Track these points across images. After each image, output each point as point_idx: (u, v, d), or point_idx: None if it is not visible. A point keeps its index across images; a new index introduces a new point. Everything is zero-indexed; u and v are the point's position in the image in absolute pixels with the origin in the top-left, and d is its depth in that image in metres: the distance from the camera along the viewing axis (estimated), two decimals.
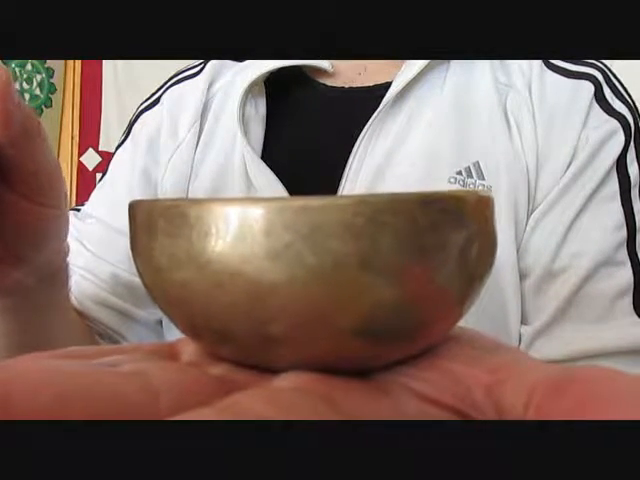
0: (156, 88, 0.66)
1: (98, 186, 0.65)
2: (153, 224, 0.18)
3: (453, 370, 0.18)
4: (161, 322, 0.62)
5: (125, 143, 0.64)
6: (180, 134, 0.60)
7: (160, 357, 0.20)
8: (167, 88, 0.64)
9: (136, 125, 0.64)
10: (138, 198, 0.61)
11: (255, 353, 0.18)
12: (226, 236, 0.16)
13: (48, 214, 0.36)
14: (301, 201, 0.16)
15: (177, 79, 0.64)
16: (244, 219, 0.16)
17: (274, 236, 0.16)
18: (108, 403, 0.15)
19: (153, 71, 0.68)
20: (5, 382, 0.14)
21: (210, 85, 0.62)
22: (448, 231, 0.17)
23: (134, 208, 0.19)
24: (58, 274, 0.44)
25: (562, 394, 0.16)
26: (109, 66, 2.14)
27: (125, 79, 2.10)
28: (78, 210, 0.64)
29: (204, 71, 0.63)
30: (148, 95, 0.66)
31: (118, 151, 0.65)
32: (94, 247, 0.60)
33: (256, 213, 0.16)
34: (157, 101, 0.64)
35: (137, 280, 0.59)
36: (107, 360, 0.18)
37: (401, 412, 0.17)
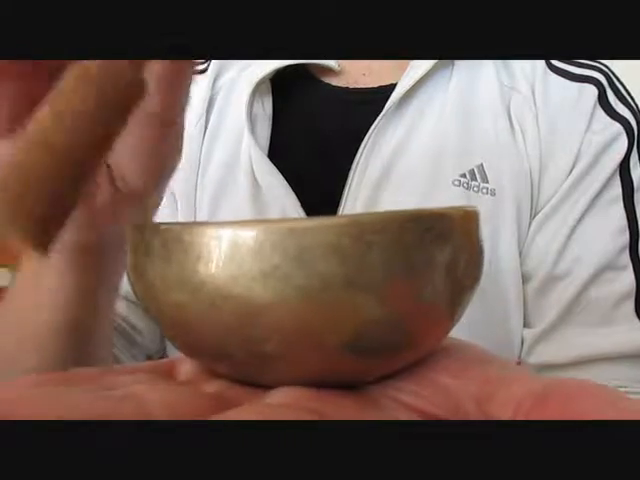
0: None
1: None
2: (148, 247, 0.18)
3: (443, 383, 0.19)
4: None
5: None
6: (187, 129, 0.60)
7: (157, 376, 0.20)
8: None
9: None
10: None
11: (250, 371, 0.19)
12: (217, 259, 0.17)
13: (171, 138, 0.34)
14: (289, 223, 0.16)
15: None
16: (234, 242, 0.17)
17: (263, 258, 0.16)
18: None
19: None
20: (6, 415, 0.14)
21: (215, 80, 0.61)
22: (434, 248, 0.18)
23: (131, 230, 0.20)
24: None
25: (546, 406, 0.16)
26: None
27: None
28: None
29: (209, 68, 0.63)
30: None
31: None
32: None
33: (245, 236, 0.17)
34: None
35: None
36: (105, 383, 0.18)
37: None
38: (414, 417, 0.18)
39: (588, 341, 0.52)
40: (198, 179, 0.59)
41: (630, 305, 0.52)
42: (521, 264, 0.53)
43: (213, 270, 0.17)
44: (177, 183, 0.59)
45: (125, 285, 0.56)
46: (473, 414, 0.18)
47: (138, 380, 0.19)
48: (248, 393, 0.19)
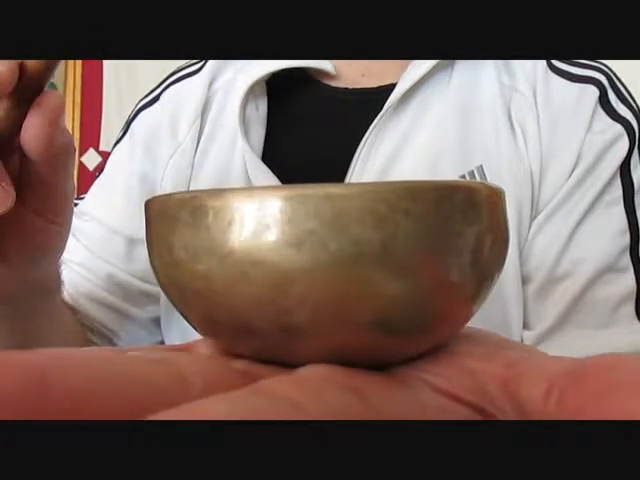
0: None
1: (96, 183, 0.64)
2: (172, 217, 0.18)
3: (469, 366, 0.19)
4: (156, 320, 0.62)
5: (123, 141, 0.64)
6: (180, 133, 0.60)
7: (178, 351, 0.20)
8: (167, 86, 0.63)
9: (134, 123, 0.63)
10: (135, 200, 0.61)
11: (275, 346, 0.18)
12: (249, 225, 0.16)
13: (52, 230, 0.37)
14: (324, 188, 0.16)
15: (177, 77, 0.64)
16: (267, 208, 0.16)
17: (297, 224, 0.16)
18: (139, 387, 0.15)
19: (154, 71, 0.67)
20: (42, 364, 0.14)
21: (211, 83, 0.61)
22: (463, 219, 0.18)
23: (151, 203, 0.19)
24: (50, 285, 0.44)
25: (584, 382, 0.16)
26: (109, 66, 2.13)
27: (126, 79, 2.09)
28: (75, 204, 0.64)
29: (204, 68, 0.62)
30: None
31: (116, 149, 0.64)
32: (91, 245, 0.60)
33: (279, 201, 0.16)
34: (156, 99, 0.63)
35: (132, 280, 0.59)
36: (134, 353, 0.18)
37: (421, 404, 0.17)
38: (440, 397, 0.18)
39: (588, 343, 0.51)
40: (191, 182, 0.59)
41: (630, 307, 0.52)
42: (521, 265, 0.53)
43: (245, 236, 0.16)
44: (171, 186, 0.59)
45: (106, 295, 0.58)
46: (499, 397, 0.18)
47: (164, 351, 0.19)
48: (275, 371, 0.18)
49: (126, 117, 0.66)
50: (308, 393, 0.15)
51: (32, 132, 0.31)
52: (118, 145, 0.64)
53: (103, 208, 0.61)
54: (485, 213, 0.18)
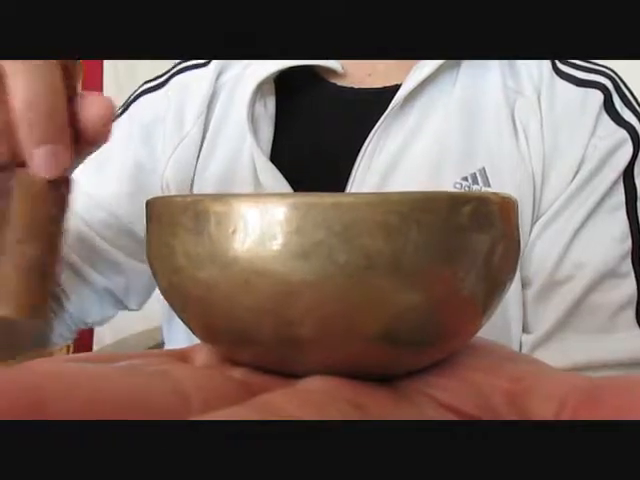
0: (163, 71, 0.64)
1: (89, 158, 0.63)
2: (174, 222, 0.17)
3: (474, 379, 0.18)
4: (111, 292, 0.60)
5: (121, 119, 0.62)
6: (186, 126, 0.59)
7: (176, 360, 0.19)
8: (174, 74, 0.63)
9: (135, 105, 0.63)
10: (126, 182, 0.59)
11: (277, 356, 0.17)
12: (253, 233, 0.16)
13: None
14: (333, 198, 0.16)
15: (185, 66, 0.63)
16: (273, 216, 0.16)
17: (305, 234, 0.15)
18: (140, 405, 0.14)
19: (154, 71, 0.67)
20: (38, 387, 0.13)
21: (218, 76, 0.60)
22: (475, 230, 0.17)
23: (152, 205, 0.19)
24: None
25: (598, 402, 0.15)
26: (109, 66, 2.13)
27: (125, 79, 2.09)
28: None
29: (212, 61, 0.62)
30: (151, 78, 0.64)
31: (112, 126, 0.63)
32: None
33: (286, 210, 0.16)
34: (161, 85, 0.62)
35: (103, 245, 0.57)
36: (131, 363, 0.17)
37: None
38: (445, 412, 0.17)
39: (587, 348, 0.51)
40: (196, 176, 0.58)
41: (631, 313, 0.52)
42: (521, 269, 0.53)
43: (249, 245, 0.16)
44: (174, 178, 0.58)
45: (69, 253, 0.55)
46: (505, 411, 0.17)
47: (162, 361, 0.18)
48: (276, 380, 0.18)
49: None
50: (310, 408, 0.14)
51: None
52: (115, 123, 0.63)
53: (93, 183, 0.59)
54: (497, 223, 0.18)
